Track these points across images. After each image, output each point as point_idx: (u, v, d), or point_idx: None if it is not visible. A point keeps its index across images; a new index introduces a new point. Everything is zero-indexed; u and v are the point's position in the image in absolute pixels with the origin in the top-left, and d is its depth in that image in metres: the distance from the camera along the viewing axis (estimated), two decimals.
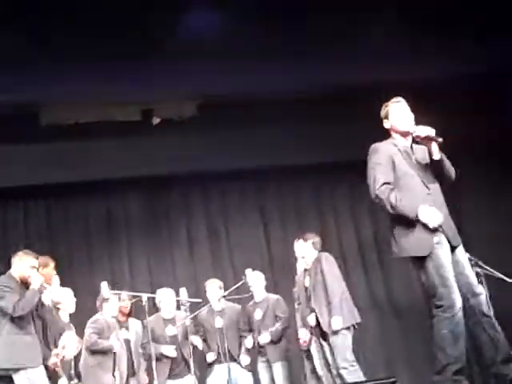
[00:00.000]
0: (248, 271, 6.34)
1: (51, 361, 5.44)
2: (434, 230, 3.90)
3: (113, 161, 7.78)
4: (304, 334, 6.47)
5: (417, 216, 3.90)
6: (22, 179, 7.62)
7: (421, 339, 8.33)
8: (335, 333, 5.99)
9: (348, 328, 6.07)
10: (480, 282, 5.70)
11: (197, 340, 6.65)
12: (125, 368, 6.45)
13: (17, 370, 5.02)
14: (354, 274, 8.41)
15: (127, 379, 6.50)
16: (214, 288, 6.86)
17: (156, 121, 7.53)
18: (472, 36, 6.87)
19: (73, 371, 6.10)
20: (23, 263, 5.29)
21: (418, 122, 4.23)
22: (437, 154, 4.01)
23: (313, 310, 6.20)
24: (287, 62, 6.98)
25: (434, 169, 4.08)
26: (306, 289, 6.36)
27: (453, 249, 4.00)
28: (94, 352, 6.30)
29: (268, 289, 7.12)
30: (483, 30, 6.80)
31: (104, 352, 6.30)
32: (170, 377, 6.55)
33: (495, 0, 6.56)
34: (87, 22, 6.14)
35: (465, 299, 3.92)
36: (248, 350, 6.77)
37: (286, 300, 6.93)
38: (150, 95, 7.42)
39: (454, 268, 3.95)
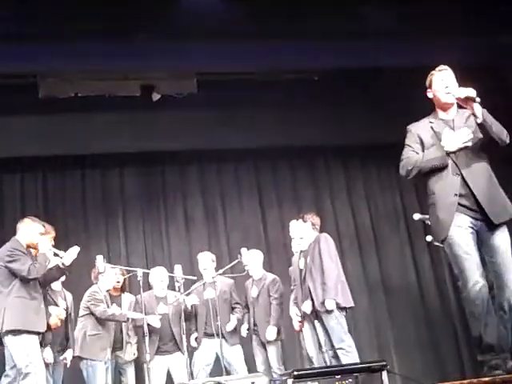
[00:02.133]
0: (243, 250, 6.34)
1: (52, 320, 5.55)
2: (453, 214, 3.83)
3: (111, 135, 7.76)
4: (294, 313, 6.52)
5: (443, 155, 3.89)
6: (19, 150, 7.59)
7: (413, 322, 8.43)
8: (329, 313, 6.00)
9: (341, 310, 6.08)
10: None
11: (192, 299, 6.63)
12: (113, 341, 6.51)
13: (17, 332, 5.04)
14: (349, 255, 8.45)
15: (114, 353, 6.55)
16: (206, 260, 6.90)
17: (156, 97, 7.50)
18: None
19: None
20: (32, 230, 5.36)
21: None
22: (479, 116, 3.84)
23: (307, 292, 6.21)
24: (287, 42, 6.96)
25: (483, 134, 3.91)
26: (301, 270, 6.36)
27: (492, 227, 3.87)
28: (98, 321, 6.33)
29: (263, 269, 7.16)
30: None
31: (105, 322, 6.35)
32: (157, 353, 6.56)
33: None
34: None
35: (491, 287, 3.85)
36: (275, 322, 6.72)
37: (282, 279, 6.95)
38: (151, 71, 7.39)
39: (487, 252, 3.88)
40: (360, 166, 9.03)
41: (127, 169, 8.49)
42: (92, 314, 6.37)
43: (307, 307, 6.17)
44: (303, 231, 6.42)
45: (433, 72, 4.14)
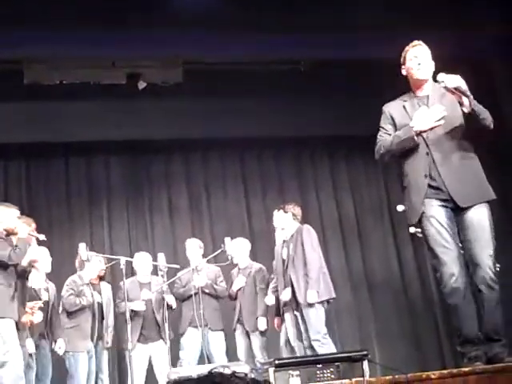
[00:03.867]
0: (227, 240, 6.34)
1: (25, 318, 5.46)
2: (423, 195, 3.73)
3: (96, 123, 7.72)
4: (270, 300, 6.54)
5: (412, 136, 3.75)
6: (2, 137, 7.54)
7: (394, 314, 8.48)
8: (309, 305, 6.02)
9: (322, 302, 6.11)
10: None
11: (171, 299, 6.65)
12: (95, 330, 6.48)
13: None
14: (332, 247, 8.49)
15: (97, 342, 6.53)
16: (193, 246, 6.91)
17: (142, 85, 7.47)
18: None
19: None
20: (8, 214, 5.24)
21: None
22: (467, 107, 3.69)
23: (289, 282, 6.22)
24: (274, 32, 6.96)
25: (470, 123, 3.76)
26: (284, 261, 6.37)
27: (462, 210, 3.73)
28: (71, 313, 6.32)
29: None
30: None
31: (81, 313, 6.32)
32: (140, 340, 6.56)
33: None
34: None
35: (468, 268, 3.73)
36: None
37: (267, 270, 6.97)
38: (137, 59, 7.36)
39: (461, 230, 3.75)
40: (345, 157, 9.05)
41: (112, 157, 8.47)
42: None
43: (286, 295, 6.19)
44: (284, 222, 6.42)
45: (406, 48, 4.00)
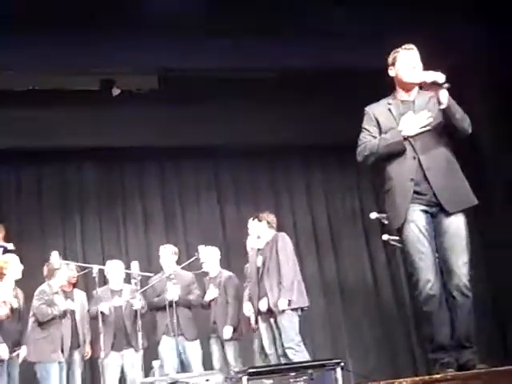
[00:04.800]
0: (201, 248, 6.33)
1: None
2: (409, 199, 3.71)
3: (69, 130, 7.65)
4: (248, 309, 6.55)
5: (400, 140, 3.75)
6: None
7: (367, 322, 8.52)
8: (282, 313, 6.02)
9: (295, 309, 6.11)
10: None
11: (136, 303, 6.51)
12: (69, 339, 6.41)
13: None
14: (306, 255, 8.50)
15: (71, 351, 6.46)
16: (167, 253, 6.90)
17: (116, 92, 7.44)
18: None
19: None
20: None
21: None
22: (444, 102, 3.68)
23: (264, 290, 6.21)
24: (248, 40, 6.97)
25: (444, 120, 3.75)
26: (258, 269, 6.37)
27: (447, 213, 3.73)
28: (42, 324, 6.25)
29: (221, 267, 7.17)
30: None
31: (53, 323, 6.26)
32: (113, 348, 6.51)
33: None
34: None
35: (442, 274, 3.73)
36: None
37: (240, 278, 6.98)
38: (111, 66, 7.32)
39: (438, 236, 3.75)
40: (319, 165, 9.09)
41: (85, 164, 8.41)
42: None
43: (263, 305, 6.19)
44: (259, 230, 6.42)
45: (398, 49, 3.94)
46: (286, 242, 6.30)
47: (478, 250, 6.13)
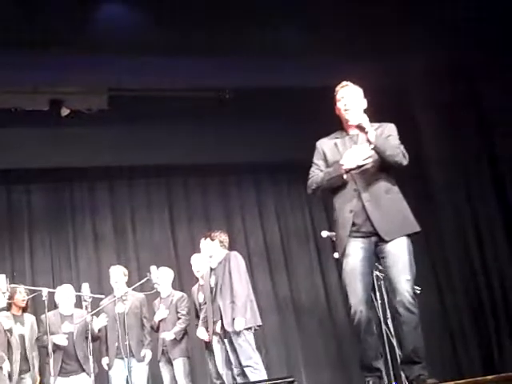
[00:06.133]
0: (153, 268, 6.28)
1: None
2: (348, 231, 3.88)
3: (17, 150, 7.52)
4: (202, 334, 6.53)
5: (341, 173, 3.91)
6: None
7: (321, 339, 8.55)
8: (237, 333, 6.01)
9: (249, 329, 6.09)
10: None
11: (96, 323, 6.49)
12: (18, 364, 6.26)
13: None
14: (259, 273, 8.51)
15: (21, 375, 6.31)
16: (117, 273, 6.85)
17: (65, 112, 7.36)
18: None
19: None
20: None
21: None
22: (372, 141, 3.86)
23: (217, 310, 6.19)
24: (199, 58, 6.99)
25: (377, 156, 3.92)
26: (212, 288, 6.35)
27: (384, 242, 3.88)
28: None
29: (174, 287, 7.13)
30: None
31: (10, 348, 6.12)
32: (61, 374, 6.38)
33: None
34: None
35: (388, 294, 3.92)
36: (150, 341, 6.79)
37: (191, 298, 6.95)
38: (60, 85, 7.25)
39: (381, 258, 3.92)
40: (271, 183, 9.13)
41: (34, 185, 8.27)
42: None
43: (218, 328, 6.18)
44: (212, 249, 6.40)
45: (337, 88, 4.11)
46: (238, 261, 6.30)
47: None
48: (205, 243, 6.50)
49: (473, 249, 7.70)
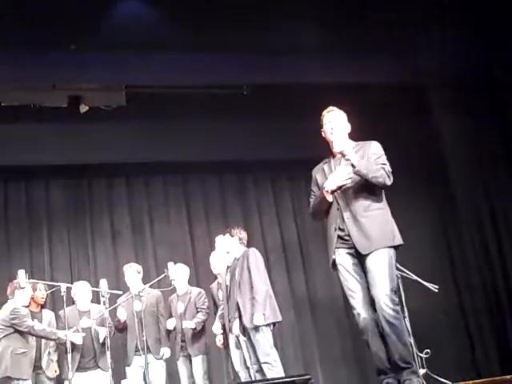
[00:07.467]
0: (170, 264, 6.29)
1: None
2: (334, 245, 4.19)
3: (36, 147, 7.58)
4: (217, 329, 6.55)
5: (323, 196, 4.18)
6: None
7: (337, 337, 8.53)
8: (256, 329, 6.00)
9: (268, 325, 6.08)
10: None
11: (102, 331, 6.48)
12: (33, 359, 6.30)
13: None
14: (276, 270, 8.50)
15: (38, 371, 6.37)
16: (132, 272, 6.86)
17: (84, 108, 7.40)
18: None
19: None
20: None
21: None
22: (355, 165, 4.09)
23: (235, 307, 6.17)
24: (216, 55, 7.02)
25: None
26: (227, 286, 6.36)
27: (364, 256, 4.11)
28: (23, 338, 6.15)
29: (191, 283, 7.14)
30: None
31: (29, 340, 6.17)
32: (79, 369, 6.42)
33: None
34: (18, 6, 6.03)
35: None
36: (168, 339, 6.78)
37: (209, 294, 6.96)
38: (79, 82, 7.29)
39: (365, 275, 4.13)
40: (288, 180, 9.11)
41: (53, 181, 8.31)
42: (17, 331, 6.16)
43: (236, 329, 6.16)
44: (230, 246, 6.41)
45: (323, 113, 4.35)
46: (257, 258, 6.30)
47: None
48: (224, 239, 6.51)
49: (492, 249, 7.69)
